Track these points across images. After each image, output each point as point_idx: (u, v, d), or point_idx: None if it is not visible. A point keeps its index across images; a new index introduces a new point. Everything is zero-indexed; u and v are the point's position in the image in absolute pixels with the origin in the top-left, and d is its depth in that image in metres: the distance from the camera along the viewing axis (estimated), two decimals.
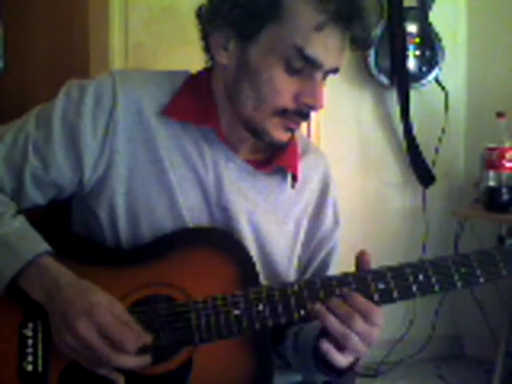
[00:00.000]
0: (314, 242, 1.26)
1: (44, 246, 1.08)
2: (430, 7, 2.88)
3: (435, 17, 2.90)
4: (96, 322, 0.99)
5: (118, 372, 1.02)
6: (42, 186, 1.14)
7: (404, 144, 2.98)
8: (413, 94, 2.92)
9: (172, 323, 1.05)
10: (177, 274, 1.08)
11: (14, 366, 1.04)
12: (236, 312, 1.04)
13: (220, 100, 1.16)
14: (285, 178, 1.22)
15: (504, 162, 2.58)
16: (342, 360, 1.04)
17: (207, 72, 1.19)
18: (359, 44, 1.11)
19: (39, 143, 1.12)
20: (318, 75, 1.09)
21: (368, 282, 1.06)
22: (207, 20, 1.13)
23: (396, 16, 2.84)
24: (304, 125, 2.67)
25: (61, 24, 2.26)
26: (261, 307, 1.04)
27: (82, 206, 1.18)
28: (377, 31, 2.85)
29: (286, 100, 1.09)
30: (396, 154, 3.04)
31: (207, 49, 1.16)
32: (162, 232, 1.13)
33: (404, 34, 2.85)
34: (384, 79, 2.88)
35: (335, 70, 1.12)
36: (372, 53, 2.84)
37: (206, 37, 1.15)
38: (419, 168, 2.97)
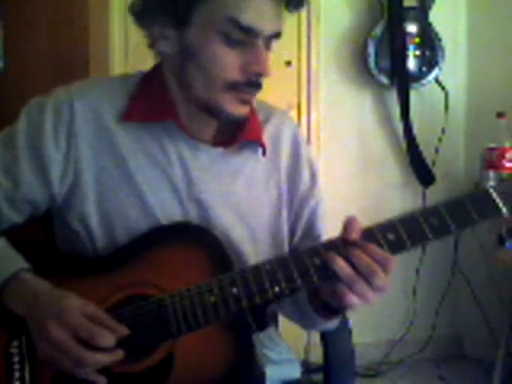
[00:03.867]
0: (295, 203, 1.27)
1: (22, 263, 1.10)
2: (430, 7, 2.88)
3: (435, 17, 2.90)
4: (68, 323, 1.00)
5: (98, 373, 1.03)
6: (15, 205, 1.16)
7: (404, 144, 2.98)
8: (413, 94, 2.92)
9: (150, 319, 1.06)
10: (153, 273, 1.10)
11: None
12: (211, 298, 1.05)
13: (174, 92, 1.17)
14: (255, 149, 1.23)
15: (504, 162, 2.57)
16: (356, 301, 1.02)
17: (157, 67, 1.21)
18: (293, 4, 1.12)
19: (6, 163, 1.15)
20: (259, 42, 1.10)
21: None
22: (141, 15, 1.15)
23: (396, 16, 2.84)
24: (304, 125, 2.68)
25: (61, 24, 2.26)
26: (235, 290, 1.05)
27: (59, 220, 1.20)
28: (376, 31, 2.86)
29: (233, 73, 1.10)
30: (396, 154, 3.04)
31: (149, 43, 1.17)
32: (137, 234, 1.14)
33: (404, 34, 2.85)
34: (384, 79, 2.88)
35: (276, 35, 1.12)
36: (372, 53, 2.85)
37: (145, 32, 1.16)
38: (419, 168, 2.97)
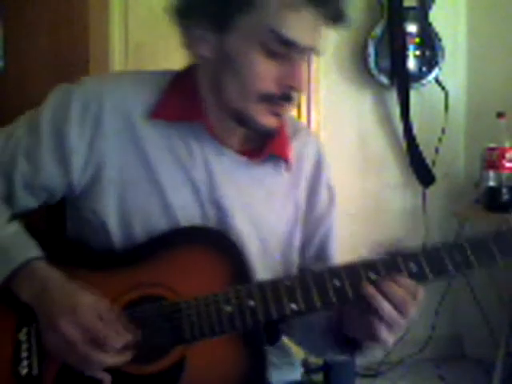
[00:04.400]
0: (310, 222, 1.26)
1: (36, 252, 1.09)
2: (430, 7, 2.88)
3: (435, 17, 2.90)
4: (78, 321, 1.00)
5: (105, 372, 1.03)
6: (32, 190, 1.15)
7: (404, 144, 2.98)
8: (413, 94, 2.92)
9: (164, 322, 1.06)
10: (169, 274, 1.09)
11: (9, 371, 1.05)
12: (228, 308, 1.04)
13: (206, 94, 1.16)
14: (278, 163, 1.22)
15: (504, 161, 2.57)
16: (389, 338, 1.04)
17: (191, 68, 1.19)
18: (336, 20, 1.13)
19: (28, 148, 1.14)
20: (297, 56, 1.10)
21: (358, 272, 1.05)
22: (182, 15, 1.13)
23: (396, 16, 2.84)
24: (304, 125, 2.68)
25: (61, 24, 2.26)
26: (252, 303, 1.04)
27: (74, 211, 1.19)
28: (376, 31, 2.86)
29: (268, 85, 1.09)
30: (396, 154, 3.04)
31: (187, 44, 1.16)
32: (155, 232, 1.13)
33: (404, 33, 2.85)
34: (384, 79, 2.88)
35: (314, 50, 1.12)
36: (372, 53, 2.84)
37: (183, 32, 1.15)
38: (419, 168, 2.97)
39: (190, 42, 1.14)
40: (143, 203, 1.14)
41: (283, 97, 1.11)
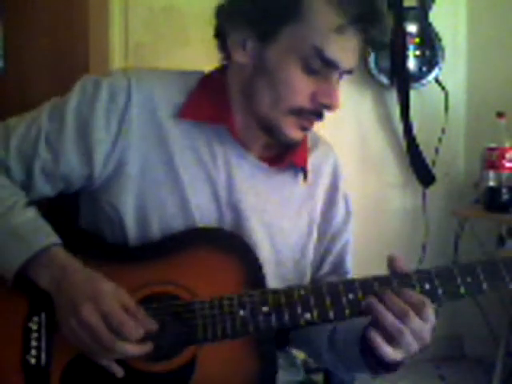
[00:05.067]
0: (327, 236, 1.26)
1: (54, 238, 1.08)
2: (430, 7, 2.88)
3: (435, 17, 2.90)
4: (101, 308, 1.00)
5: (118, 365, 1.03)
6: (50, 179, 1.14)
7: (404, 144, 2.98)
8: (413, 94, 2.92)
9: (177, 321, 1.05)
10: (183, 274, 1.09)
11: (18, 359, 1.05)
12: (242, 313, 1.04)
13: (234, 99, 1.16)
14: (297, 173, 1.23)
15: (504, 162, 2.57)
16: (390, 352, 1.03)
17: (221, 71, 1.20)
18: (377, 46, 1.14)
19: (51, 136, 1.13)
20: (335, 75, 1.11)
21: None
22: (226, 19, 1.13)
23: (396, 16, 2.84)
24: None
25: (61, 24, 2.26)
26: (266, 309, 1.04)
27: (90, 202, 1.19)
28: None
29: (302, 99, 1.10)
30: (396, 153, 3.04)
31: (223, 47, 1.16)
32: (172, 231, 1.13)
33: (404, 33, 2.85)
34: (384, 79, 2.88)
35: (350, 71, 1.14)
36: (372, 53, 2.84)
37: (222, 35, 1.15)
38: (419, 168, 2.97)
39: (228, 46, 1.14)
40: (162, 201, 1.14)
41: (314, 113, 1.12)
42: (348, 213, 1.30)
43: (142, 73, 1.20)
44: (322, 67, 1.09)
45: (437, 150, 3.02)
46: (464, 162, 3.15)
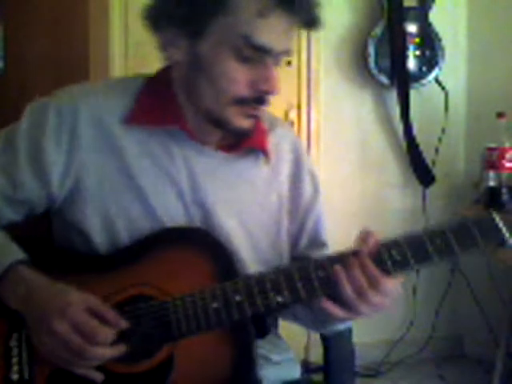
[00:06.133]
0: (298, 212, 1.27)
1: (19, 255, 1.10)
2: (430, 7, 2.88)
3: (435, 17, 2.90)
4: (70, 319, 1.01)
5: (96, 371, 1.04)
6: (13, 204, 1.16)
7: (404, 144, 2.98)
8: (413, 93, 2.92)
9: (152, 321, 1.07)
10: (155, 274, 1.10)
11: (0, 378, 1.05)
12: (214, 305, 1.06)
13: (182, 97, 1.17)
14: (258, 156, 1.23)
15: (504, 162, 2.57)
16: (340, 314, 1.07)
17: (165, 71, 1.20)
18: (308, 25, 1.13)
19: (6, 164, 1.14)
20: (270, 60, 1.10)
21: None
22: (153, 20, 1.13)
23: (396, 16, 2.84)
24: (304, 125, 2.68)
25: (61, 24, 2.26)
26: (238, 298, 1.06)
27: (58, 218, 1.20)
28: (376, 31, 2.86)
29: (242, 89, 1.10)
30: (396, 154, 3.04)
31: (159, 47, 1.16)
32: (141, 236, 1.15)
33: (404, 34, 2.85)
34: (384, 79, 2.88)
35: (287, 53, 1.13)
36: (372, 53, 2.84)
37: (156, 36, 1.15)
38: (419, 168, 2.97)
39: (161, 46, 1.14)
40: (126, 209, 1.15)
41: (257, 100, 1.12)
42: (315, 186, 1.29)
43: (85, 88, 1.22)
44: (254, 54, 1.09)
45: (437, 150, 3.02)
46: (464, 162, 3.15)
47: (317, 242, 1.28)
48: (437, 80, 2.96)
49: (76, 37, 2.21)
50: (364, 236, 1.08)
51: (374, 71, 2.86)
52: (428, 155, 2.98)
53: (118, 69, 2.29)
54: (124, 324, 1.04)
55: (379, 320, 2.91)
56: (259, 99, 1.12)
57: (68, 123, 1.14)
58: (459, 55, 3.10)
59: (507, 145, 2.58)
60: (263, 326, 1.24)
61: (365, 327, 2.70)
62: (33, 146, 1.14)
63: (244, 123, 1.14)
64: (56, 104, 1.16)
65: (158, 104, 1.16)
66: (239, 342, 1.09)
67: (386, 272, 1.06)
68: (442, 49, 2.90)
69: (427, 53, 2.89)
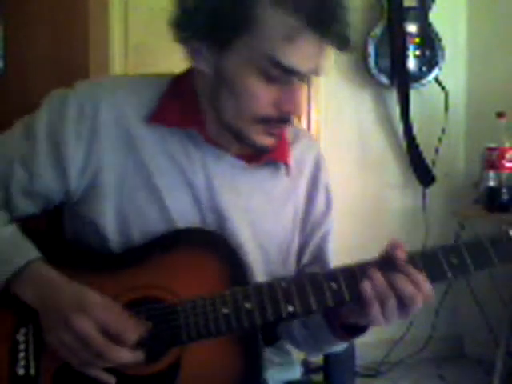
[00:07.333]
0: (307, 227, 1.26)
1: (35, 253, 1.09)
2: (429, 7, 2.88)
3: (435, 17, 2.90)
4: (94, 318, 1.00)
5: (108, 373, 1.03)
6: (30, 196, 1.15)
7: (404, 144, 2.98)
8: (413, 93, 2.92)
9: (161, 323, 1.06)
10: (167, 276, 1.09)
11: (6, 371, 1.05)
12: (225, 310, 1.05)
13: (204, 103, 1.15)
14: (278, 167, 1.22)
15: (504, 162, 2.58)
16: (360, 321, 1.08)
17: (190, 73, 1.18)
18: (339, 46, 1.12)
19: (24, 155, 1.13)
20: (296, 81, 1.09)
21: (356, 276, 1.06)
22: (181, 28, 1.11)
23: (396, 16, 2.84)
24: (304, 125, 2.68)
25: (61, 24, 2.26)
26: (249, 305, 1.05)
27: (72, 215, 1.19)
28: (376, 31, 2.86)
29: (265, 108, 1.08)
30: (396, 154, 3.04)
31: (186, 54, 1.14)
32: (154, 236, 1.14)
33: (404, 34, 2.85)
34: (384, 79, 2.88)
35: (315, 72, 1.11)
36: (372, 53, 2.85)
37: (182, 44, 1.13)
38: (419, 168, 2.98)
39: (187, 53, 1.12)
40: (141, 208, 1.14)
41: (280, 119, 1.10)
42: (328, 203, 1.28)
43: (108, 81, 1.21)
44: (280, 74, 1.06)
45: (437, 150, 3.03)
46: (464, 161, 3.15)
47: (320, 258, 1.27)
48: (437, 80, 2.96)
49: (76, 37, 2.20)
50: (392, 246, 1.06)
51: (374, 71, 2.87)
52: (428, 155, 2.98)
53: (118, 69, 2.29)
54: (144, 329, 1.03)
55: None
56: (282, 119, 1.10)
57: (89, 118, 1.12)
58: (459, 55, 3.10)
59: (507, 145, 2.58)
60: (272, 334, 1.23)
61: None
62: (52, 138, 1.12)
63: (265, 141, 1.12)
64: (77, 95, 1.14)
65: (181, 105, 1.15)
66: (247, 350, 1.08)
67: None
68: (442, 49, 2.90)
69: (427, 53, 2.89)
